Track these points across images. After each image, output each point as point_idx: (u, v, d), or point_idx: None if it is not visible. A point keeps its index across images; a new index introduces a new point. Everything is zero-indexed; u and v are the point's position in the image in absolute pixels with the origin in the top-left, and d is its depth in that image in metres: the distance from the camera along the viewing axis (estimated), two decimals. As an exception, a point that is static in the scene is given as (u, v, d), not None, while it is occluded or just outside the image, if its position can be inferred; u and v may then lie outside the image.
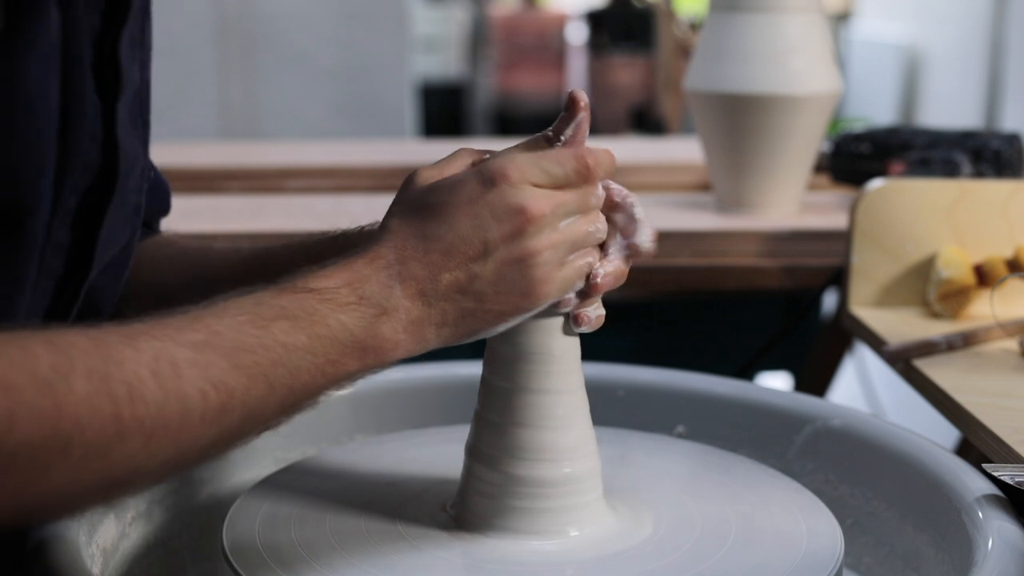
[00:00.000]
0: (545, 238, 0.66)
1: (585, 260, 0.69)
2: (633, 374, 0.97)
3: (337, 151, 1.88)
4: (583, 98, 0.70)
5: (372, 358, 0.63)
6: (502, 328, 0.68)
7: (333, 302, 0.62)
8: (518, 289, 0.66)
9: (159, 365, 0.55)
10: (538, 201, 0.66)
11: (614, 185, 0.72)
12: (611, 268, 0.70)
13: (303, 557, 0.69)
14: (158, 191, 0.88)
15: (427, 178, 0.68)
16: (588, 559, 0.70)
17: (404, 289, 0.64)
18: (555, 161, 0.67)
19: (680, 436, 0.94)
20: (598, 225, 0.69)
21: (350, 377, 0.63)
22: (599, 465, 0.74)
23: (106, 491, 0.56)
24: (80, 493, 0.55)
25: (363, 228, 0.79)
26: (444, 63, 6.17)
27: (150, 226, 0.89)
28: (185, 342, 0.57)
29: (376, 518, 0.73)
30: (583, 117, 0.70)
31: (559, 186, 0.67)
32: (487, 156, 0.70)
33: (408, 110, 3.03)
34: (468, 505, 0.73)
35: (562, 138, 0.70)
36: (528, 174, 0.66)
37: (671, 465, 0.83)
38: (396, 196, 0.69)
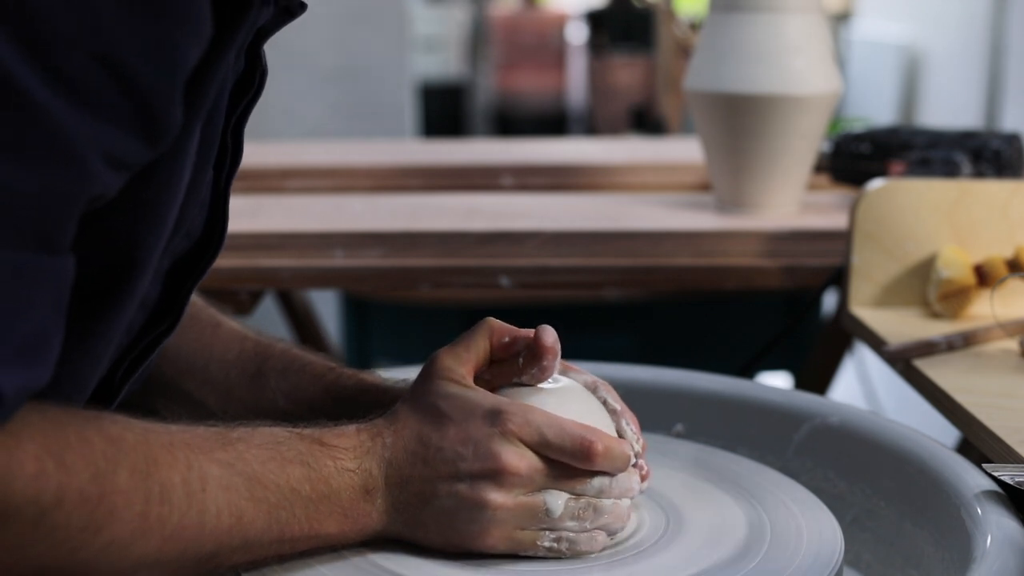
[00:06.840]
0: (509, 497, 0.66)
1: (548, 538, 0.68)
2: (632, 373, 0.97)
3: (337, 151, 1.88)
4: (550, 338, 0.70)
5: (348, 526, 0.66)
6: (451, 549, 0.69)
7: (339, 462, 0.65)
8: (464, 530, 0.67)
9: (190, 475, 0.59)
10: (515, 458, 0.66)
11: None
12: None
13: (302, 557, 0.69)
14: None
15: (447, 367, 0.69)
16: (589, 559, 0.70)
17: (387, 476, 0.67)
18: (556, 428, 0.67)
19: (679, 435, 0.94)
20: (582, 508, 0.68)
21: (328, 539, 0.66)
22: None
23: None
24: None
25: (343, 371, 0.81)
26: (444, 63, 6.17)
27: None
28: (216, 460, 0.61)
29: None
30: (548, 361, 0.71)
31: (552, 453, 0.67)
32: (507, 338, 0.72)
33: (408, 110, 3.03)
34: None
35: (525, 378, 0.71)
36: (525, 430, 0.67)
37: (670, 465, 0.83)
38: (418, 378, 0.70)
